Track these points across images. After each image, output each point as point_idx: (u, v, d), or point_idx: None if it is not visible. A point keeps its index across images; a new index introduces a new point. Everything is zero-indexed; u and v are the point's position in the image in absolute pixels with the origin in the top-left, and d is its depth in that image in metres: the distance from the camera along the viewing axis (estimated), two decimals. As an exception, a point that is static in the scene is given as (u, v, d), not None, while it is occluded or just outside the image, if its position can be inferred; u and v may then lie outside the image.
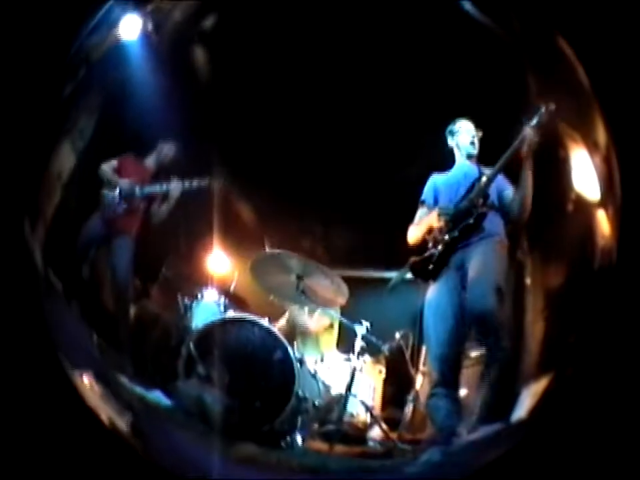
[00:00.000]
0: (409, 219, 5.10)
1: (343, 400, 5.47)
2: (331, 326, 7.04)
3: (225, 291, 6.31)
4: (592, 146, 3.61)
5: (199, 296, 6.07)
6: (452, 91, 5.38)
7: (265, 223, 7.01)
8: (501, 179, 4.85)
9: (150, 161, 6.24)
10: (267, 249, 6.26)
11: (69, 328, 3.79)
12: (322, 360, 6.19)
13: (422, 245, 4.86)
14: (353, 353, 5.86)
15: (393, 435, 5.42)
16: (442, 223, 4.76)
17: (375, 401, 6.21)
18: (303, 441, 5.04)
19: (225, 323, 5.39)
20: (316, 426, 5.32)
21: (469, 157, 5.07)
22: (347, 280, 6.04)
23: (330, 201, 6.88)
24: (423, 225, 4.94)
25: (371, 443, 5.42)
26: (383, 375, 6.43)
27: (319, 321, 6.83)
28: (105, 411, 3.31)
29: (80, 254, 5.41)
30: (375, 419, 5.63)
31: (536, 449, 3.08)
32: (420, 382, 6.14)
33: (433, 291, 4.75)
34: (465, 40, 4.88)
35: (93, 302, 5.26)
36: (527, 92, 4.38)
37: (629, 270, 3.12)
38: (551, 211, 4.34)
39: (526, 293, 4.58)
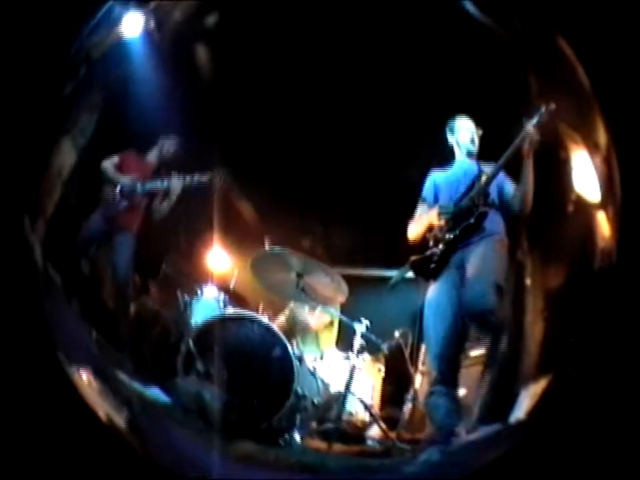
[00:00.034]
0: (409, 217, 5.09)
1: (341, 398, 5.47)
2: (331, 324, 7.05)
3: (224, 288, 6.30)
4: (592, 147, 3.61)
5: (199, 293, 6.06)
6: (453, 91, 5.37)
7: (265, 222, 7.01)
8: (501, 175, 4.84)
9: (151, 157, 6.23)
10: (268, 247, 6.24)
11: (68, 324, 3.79)
12: (321, 358, 6.19)
13: (422, 243, 4.86)
14: (352, 351, 5.86)
15: (392, 434, 5.41)
16: (442, 222, 4.76)
17: (374, 399, 6.22)
18: (302, 439, 5.03)
19: (224, 320, 5.39)
20: (314, 424, 5.31)
21: (469, 154, 5.06)
22: (347, 278, 6.04)
23: (330, 199, 6.87)
24: (422, 222, 4.93)
25: (369, 442, 5.41)
26: (382, 374, 6.43)
27: (320, 319, 6.82)
28: (103, 408, 3.31)
29: (80, 250, 5.41)
30: (373, 418, 5.62)
31: (535, 449, 3.08)
32: (419, 381, 6.14)
33: (433, 290, 4.74)
34: (466, 40, 4.88)
35: (93, 298, 5.25)
36: (528, 92, 4.38)
37: (629, 271, 3.12)
38: (551, 212, 4.34)
39: (526, 293, 4.57)
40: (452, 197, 4.88)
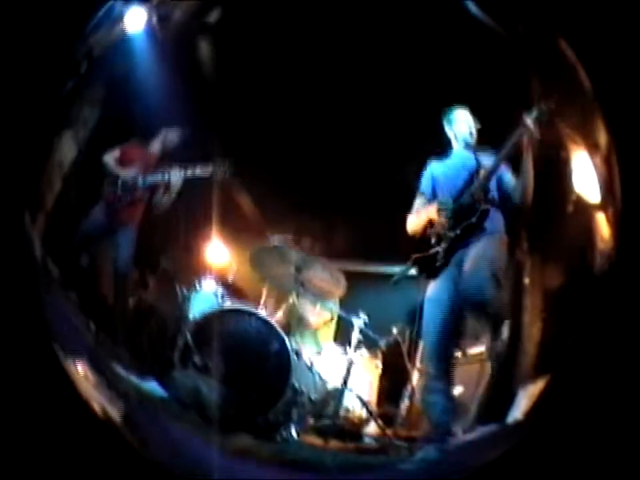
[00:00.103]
0: (409, 212, 5.08)
1: (339, 394, 5.47)
2: (330, 320, 7.03)
3: (223, 282, 6.30)
4: (592, 147, 3.60)
5: (197, 286, 6.05)
6: (454, 90, 5.35)
7: (265, 217, 7.01)
8: (501, 167, 4.81)
9: (154, 147, 6.21)
10: (270, 241, 6.23)
11: (65, 317, 3.79)
12: (319, 353, 6.17)
13: (424, 239, 4.84)
14: (350, 346, 5.85)
15: (389, 432, 5.41)
16: (443, 219, 4.74)
17: (371, 396, 6.20)
18: (298, 434, 5.02)
19: (222, 314, 5.38)
20: (311, 420, 5.31)
21: (467, 145, 5.01)
22: (346, 274, 6.05)
23: (330, 194, 6.87)
24: (422, 216, 4.91)
25: (366, 439, 5.41)
26: (380, 370, 6.41)
27: (320, 315, 6.82)
28: (99, 401, 3.31)
29: (80, 244, 5.41)
30: (370, 414, 5.61)
31: (533, 450, 3.07)
32: (416, 377, 6.12)
33: (432, 286, 4.73)
34: (468, 41, 4.87)
35: (91, 292, 5.26)
36: (530, 93, 4.37)
37: (628, 272, 3.11)
38: (551, 212, 4.33)
39: (524, 293, 4.57)
40: (450, 191, 4.84)
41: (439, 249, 4.72)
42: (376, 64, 5.70)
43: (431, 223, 4.80)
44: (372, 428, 5.56)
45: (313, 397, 5.42)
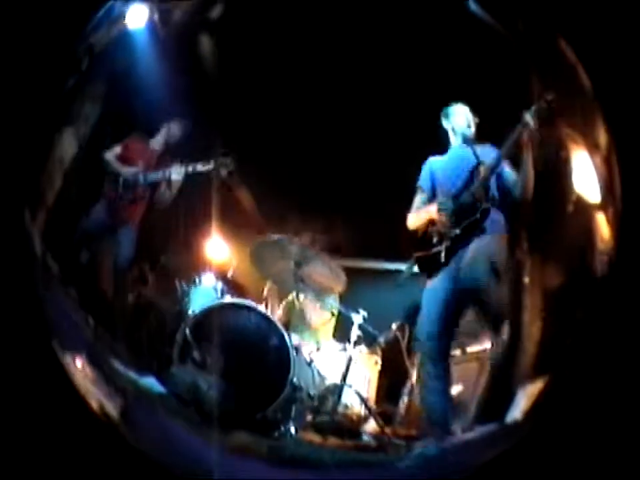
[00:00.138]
0: (409, 210, 5.07)
1: (337, 390, 5.46)
2: (329, 319, 7.02)
3: (223, 277, 6.29)
4: (593, 147, 3.60)
5: (197, 281, 6.04)
6: (455, 88, 5.33)
7: (266, 214, 7.00)
8: (500, 159, 4.78)
9: (156, 142, 6.20)
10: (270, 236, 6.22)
11: (64, 312, 3.77)
12: (318, 349, 6.16)
13: (425, 238, 4.82)
14: (349, 342, 5.85)
15: (387, 430, 5.40)
16: (444, 218, 4.72)
17: (370, 393, 6.20)
18: (296, 431, 5.01)
19: (221, 309, 5.38)
20: (310, 416, 5.30)
21: (465, 140, 4.98)
22: (346, 270, 6.04)
23: (330, 191, 6.87)
24: (422, 215, 4.90)
25: (364, 437, 5.40)
26: (379, 367, 6.40)
27: (321, 316, 6.82)
28: (96, 397, 3.29)
29: (80, 241, 5.41)
30: (369, 411, 5.61)
31: (532, 451, 3.07)
32: (415, 375, 6.11)
33: (430, 284, 4.73)
34: (468, 39, 4.87)
35: (91, 288, 5.26)
36: (530, 91, 4.36)
37: (628, 273, 3.10)
38: (551, 212, 4.32)
39: (524, 292, 4.56)
40: (450, 189, 4.83)
41: (440, 248, 4.71)
42: (377, 62, 5.70)
43: (431, 222, 4.79)
44: (370, 426, 5.55)
45: (311, 393, 5.42)
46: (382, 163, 6.49)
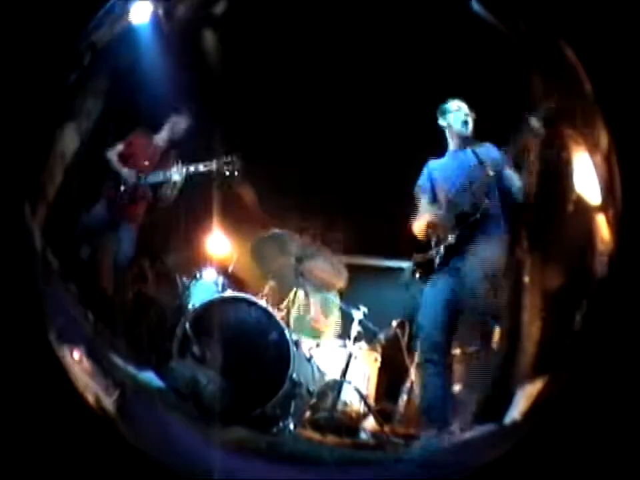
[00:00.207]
0: (410, 207, 5.06)
1: (337, 387, 5.45)
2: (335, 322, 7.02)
3: (223, 271, 6.28)
4: (593, 147, 3.59)
5: (198, 275, 6.05)
6: (456, 88, 5.32)
7: (266, 211, 6.99)
8: (498, 158, 4.78)
9: (160, 138, 6.19)
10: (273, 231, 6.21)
11: (64, 308, 3.77)
12: (318, 345, 6.16)
13: (426, 241, 4.82)
14: (349, 338, 5.84)
15: (386, 428, 5.39)
16: (442, 221, 4.72)
17: (369, 390, 6.18)
18: (295, 427, 5.01)
19: (221, 303, 5.37)
20: (308, 413, 5.29)
21: (463, 137, 4.97)
22: (347, 267, 6.04)
23: (331, 188, 6.86)
24: (423, 219, 4.89)
25: (363, 435, 5.39)
26: (379, 364, 6.40)
27: (326, 325, 6.81)
28: (93, 391, 3.29)
29: (81, 236, 5.42)
30: (368, 408, 5.60)
31: (532, 451, 3.07)
32: (414, 373, 6.10)
33: (430, 284, 4.72)
34: (470, 39, 4.86)
35: (91, 283, 5.26)
36: (531, 91, 4.35)
37: (628, 273, 3.10)
38: (551, 212, 4.31)
39: (524, 292, 4.55)
40: (449, 191, 4.83)
41: (438, 249, 4.70)
42: (378, 61, 5.70)
43: (431, 224, 4.79)
44: (369, 423, 5.54)
45: (311, 389, 5.41)
46: (383, 160, 6.49)
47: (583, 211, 3.70)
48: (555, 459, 3.01)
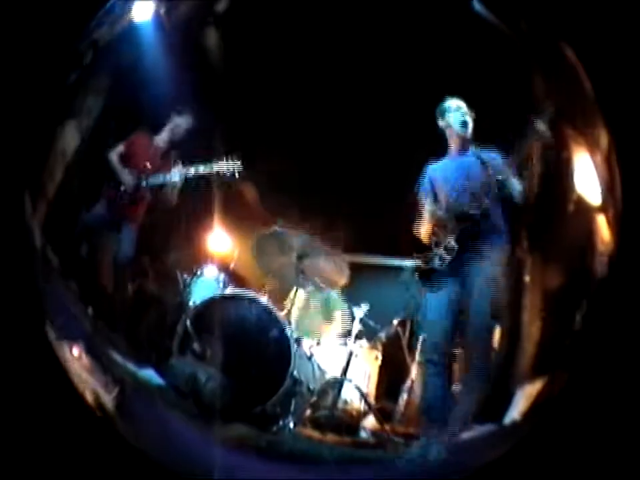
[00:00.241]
0: (410, 206, 5.05)
1: (337, 385, 5.45)
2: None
3: (224, 268, 6.28)
4: (593, 148, 3.59)
5: (199, 272, 6.05)
6: (456, 88, 5.31)
7: (267, 209, 6.99)
8: (500, 163, 4.77)
9: (161, 138, 6.17)
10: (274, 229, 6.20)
11: (64, 306, 3.78)
12: (318, 343, 6.16)
13: (427, 243, 4.82)
14: (350, 336, 5.84)
15: (386, 427, 5.39)
16: (442, 223, 4.72)
17: (370, 388, 6.16)
18: (295, 425, 5.00)
19: (222, 300, 5.37)
20: (309, 411, 5.29)
21: (462, 138, 4.95)
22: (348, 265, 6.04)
23: (331, 186, 6.85)
24: (429, 225, 4.87)
25: (363, 434, 5.39)
26: (379, 362, 6.39)
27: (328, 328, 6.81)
28: (93, 388, 3.29)
29: (81, 233, 5.41)
30: (369, 406, 5.60)
31: (532, 451, 3.08)
32: (415, 372, 6.10)
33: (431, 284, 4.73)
34: (471, 39, 4.85)
35: (91, 281, 5.26)
36: (533, 91, 4.35)
37: (628, 273, 3.10)
38: (551, 212, 4.31)
39: (524, 292, 4.56)
40: (450, 191, 4.82)
41: (439, 249, 4.70)
42: (379, 61, 5.69)
43: (432, 227, 4.79)
44: (369, 422, 5.54)
45: (311, 387, 5.40)
46: (384, 159, 6.48)
47: (583, 211, 3.70)
48: (555, 459, 3.01)
